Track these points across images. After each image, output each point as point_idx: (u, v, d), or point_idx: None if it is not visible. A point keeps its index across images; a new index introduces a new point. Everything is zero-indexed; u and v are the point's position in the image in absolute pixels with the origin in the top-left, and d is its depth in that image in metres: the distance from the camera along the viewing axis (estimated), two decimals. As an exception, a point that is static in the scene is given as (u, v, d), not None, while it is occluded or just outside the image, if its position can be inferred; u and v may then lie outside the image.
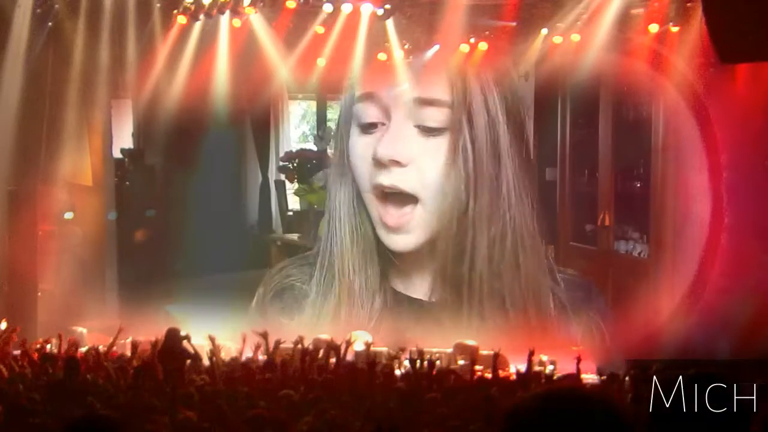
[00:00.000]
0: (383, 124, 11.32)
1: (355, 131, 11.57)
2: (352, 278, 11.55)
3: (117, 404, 6.08)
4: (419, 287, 11.76)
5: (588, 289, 11.85)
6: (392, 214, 11.18)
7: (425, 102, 11.25)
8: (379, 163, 11.11)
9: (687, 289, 10.62)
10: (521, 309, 11.25)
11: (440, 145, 11.16)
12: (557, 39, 11.36)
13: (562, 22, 11.16)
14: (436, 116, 11.19)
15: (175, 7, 11.40)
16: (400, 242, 11.30)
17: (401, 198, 11.18)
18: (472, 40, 11.74)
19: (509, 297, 11.23)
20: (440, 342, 10.43)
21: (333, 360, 8.35)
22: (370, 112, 11.42)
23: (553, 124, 13.05)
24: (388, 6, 11.18)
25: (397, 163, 11.08)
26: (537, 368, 9.05)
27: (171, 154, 13.53)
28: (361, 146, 11.42)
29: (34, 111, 11.34)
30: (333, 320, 11.47)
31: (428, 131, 11.19)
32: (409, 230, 11.23)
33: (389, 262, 11.60)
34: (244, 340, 9.07)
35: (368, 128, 11.42)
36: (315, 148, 14.73)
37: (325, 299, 11.67)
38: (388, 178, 11.11)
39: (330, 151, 13.44)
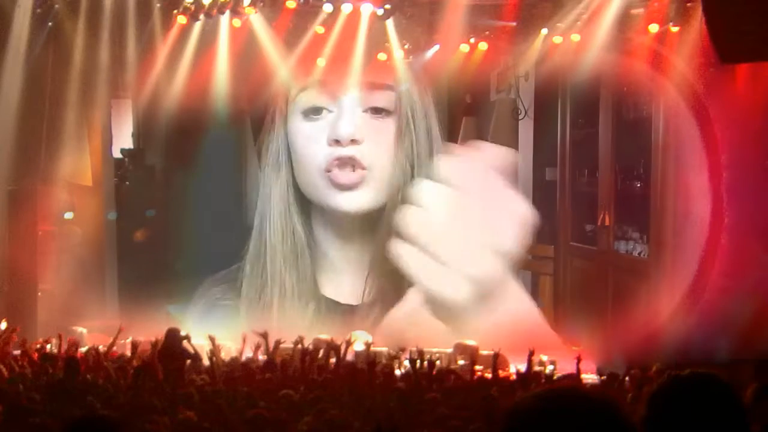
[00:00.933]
0: (329, 111, 11.88)
1: (296, 119, 12.03)
2: (284, 276, 11.90)
3: (117, 404, 6.08)
4: (349, 292, 12.06)
5: None
6: (345, 174, 11.68)
7: (375, 86, 11.92)
8: (337, 143, 11.67)
9: (687, 289, 10.61)
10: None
11: (386, 125, 11.93)
12: (557, 39, 11.36)
13: (562, 22, 11.17)
14: (384, 98, 11.94)
15: (175, 7, 11.40)
16: (352, 200, 11.75)
17: (354, 167, 11.70)
18: (472, 40, 11.76)
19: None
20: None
21: (333, 360, 8.36)
22: (315, 99, 11.94)
23: (553, 124, 13.05)
24: (388, 6, 11.19)
25: (355, 142, 11.71)
26: (537, 368, 9.06)
27: (171, 154, 13.53)
28: (308, 131, 11.94)
29: (34, 111, 11.35)
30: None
31: (377, 112, 11.94)
32: (361, 188, 11.75)
33: (320, 263, 12.05)
34: (244, 340, 9.08)
35: (313, 113, 11.94)
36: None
37: (257, 306, 11.95)
38: (346, 152, 11.68)
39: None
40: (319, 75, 11.82)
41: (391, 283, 11.70)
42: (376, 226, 11.99)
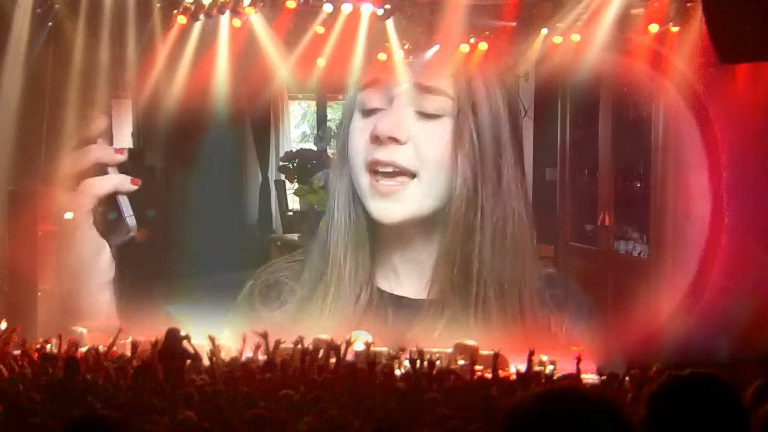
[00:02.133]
0: (384, 109, 11.57)
1: (357, 117, 11.83)
2: (342, 265, 11.65)
3: (117, 404, 6.08)
4: (408, 286, 11.88)
5: (566, 285, 12.01)
6: (385, 183, 11.37)
7: (426, 89, 11.53)
8: (377, 140, 11.35)
9: (687, 289, 10.61)
10: (517, 305, 11.42)
11: (438, 128, 11.47)
12: (557, 39, 11.36)
13: (562, 22, 11.16)
14: (436, 103, 11.50)
15: (175, 7, 11.40)
16: (388, 211, 11.40)
17: (396, 172, 11.37)
18: (472, 40, 11.75)
19: (508, 287, 11.42)
20: (437, 342, 10.59)
21: (333, 360, 8.36)
22: (373, 98, 11.68)
23: (553, 124, 13.04)
24: (388, 6, 11.18)
25: (395, 141, 11.32)
26: (537, 368, 9.06)
27: (171, 154, 13.52)
28: (360, 127, 11.68)
29: (34, 111, 11.34)
30: (318, 315, 11.58)
31: (427, 116, 11.47)
32: (399, 199, 11.38)
33: (379, 257, 11.79)
34: (244, 340, 9.08)
35: (370, 113, 11.68)
36: (315, 148, 14.73)
37: (313, 292, 11.78)
38: (386, 155, 11.33)
39: (330, 151, 13.62)
40: (376, 73, 11.61)
41: (453, 286, 11.49)
42: (433, 227, 11.66)
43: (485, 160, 11.38)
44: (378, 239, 11.88)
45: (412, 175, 11.38)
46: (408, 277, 11.94)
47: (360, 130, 11.67)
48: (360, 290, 11.66)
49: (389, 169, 11.34)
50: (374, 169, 11.39)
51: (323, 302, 11.70)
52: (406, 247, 11.92)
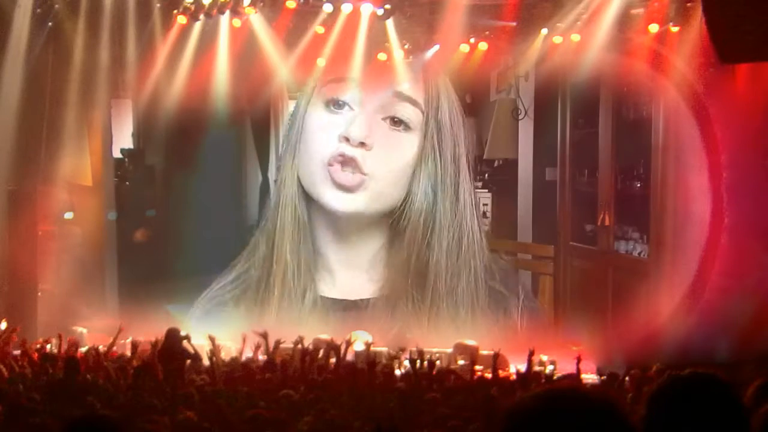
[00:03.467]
0: (351, 108, 11.80)
1: (319, 110, 11.99)
2: (288, 262, 11.89)
3: (117, 404, 6.08)
4: (342, 288, 12.16)
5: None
6: (345, 174, 11.62)
7: (403, 98, 11.81)
8: (347, 141, 11.61)
9: (687, 289, 10.61)
10: (469, 306, 11.82)
11: (405, 139, 11.84)
12: (557, 39, 11.36)
13: (562, 22, 11.16)
14: (408, 114, 11.81)
15: (175, 7, 11.40)
16: (344, 201, 11.70)
17: (354, 169, 11.63)
18: (472, 40, 11.75)
19: (459, 300, 11.81)
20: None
21: (333, 360, 8.36)
22: (340, 94, 11.88)
23: (553, 124, 13.04)
24: (388, 6, 11.18)
25: (364, 145, 11.62)
26: (537, 368, 9.06)
27: (171, 154, 13.52)
28: (325, 123, 11.87)
29: (34, 111, 11.34)
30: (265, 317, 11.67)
31: (397, 123, 11.80)
32: (357, 192, 11.68)
33: (315, 259, 12.06)
34: (244, 340, 9.08)
35: (335, 106, 11.89)
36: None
37: (258, 293, 12.00)
38: (351, 152, 11.60)
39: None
40: (353, 72, 11.73)
41: (407, 294, 11.76)
42: (374, 232, 12.03)
43: (445, 177, 11.80)
44: (314, 239, 12.17)
45: (369, 178, 11.69)
46: (343, 279, 12.21)
47: (324, 127, 11.87)
48: (305, 289, 11.96)
49: (350, 166, 11.61)
50: (335, 162, 11.63)
51: (270, 302, 11.91)
52: (343, 247, 12.19)
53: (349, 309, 12.00)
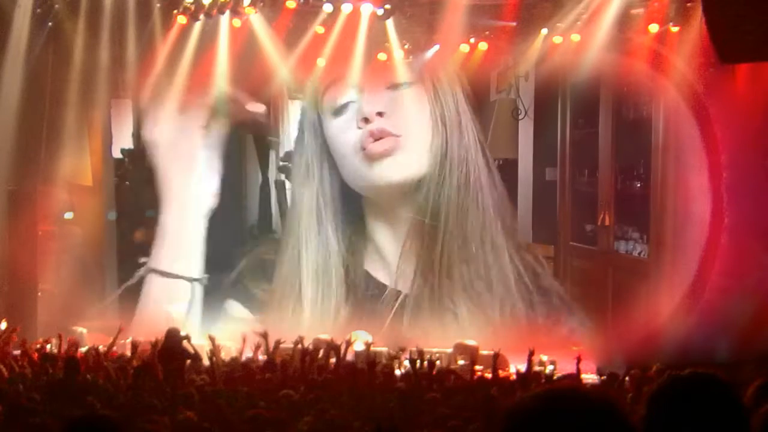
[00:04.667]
0: (354, 102, 11.96)
1: (329, 121, 12.15)
2: (345, 256, 12.09)
3: (117, 404, 6.08)
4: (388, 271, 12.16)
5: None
6: (378, 144, 11.74)
7: (393, 63, 11.92)
8: (366, 121, 11.75)
9: (687, 289, 10.61)
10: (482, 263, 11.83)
11: (410, 95, 12.02)
12: (557, 39, 11.36)
13: (562, 22, 11.16)
14: (403, 71, 11.94)
15: (175, 7, 11.40)
16: (388, 169, 11.75)
17: (387, 136, 11.78)
18: (472, 40, 11.75)
19: (471, 232, 11.86)
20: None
21: (333, 360, 8.35)
22: (340, 95, 12.03)
23: (553, 124, 13.03)
24: (388, 6, 11.19)
25: (381, 114, 11.77)
26: (537, 368, 9.06)
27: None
28: (339, 124, 12.03)
29: (34, 111, 11.34)
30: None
31: (397, 86, 11.97)
32: (395, 155, 11.77)
33: (373, 257, 12.18)
34: (244, 340, 9.08)
35: (341, 110, 12.04)
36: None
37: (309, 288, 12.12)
38: (376, 125, 11.73)
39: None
40: (333, 75, 11.89)
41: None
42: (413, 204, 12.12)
43: (450, 119, 11.96)
44: (371, 237, 12.31)
45: (399, 137, 11.83)
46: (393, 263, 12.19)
47: (339, 127, 12.01)
48: (358, 279, 12.10)
49: (380, 136, 11.75)
50: (367, 140, 11.73)
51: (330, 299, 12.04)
52: (396, 233, 12.20)
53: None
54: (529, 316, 11.75)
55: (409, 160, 11.78)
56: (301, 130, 12.63)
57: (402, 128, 11.79)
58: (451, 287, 11.75)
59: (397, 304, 11.87)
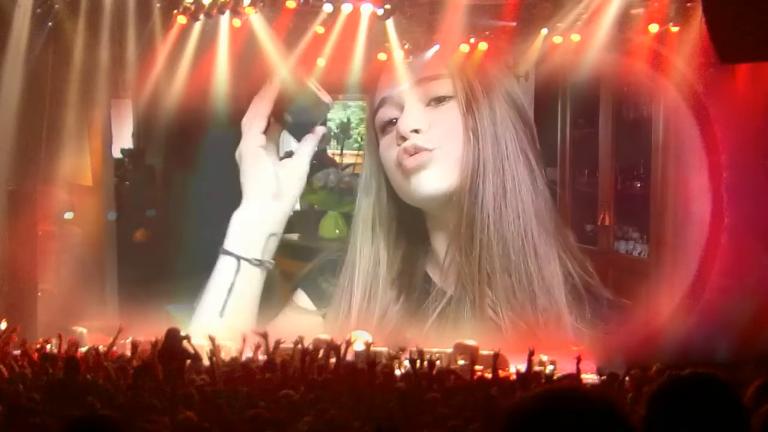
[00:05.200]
0: (397, 119, 11.96)
1: (380, 137, 12.31)
2: (412, 272, 12.26)
3: (117, 404, 6.08)
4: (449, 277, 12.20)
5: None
6: (412, 158, 11.77)
7: (430, 78, 11.95)
8: (402, 138, 11.79)
9: (687, 289, 10.61)
10: (525, 274, 11.70)
11: (448, 110, 11.93)
12: (557, 39, 11.36)
13: (562, 22, 11.16)
14: (442, 86, 11.95)
15: (175, 7, 11.40)
16: (422, 181, 11.78)
17: (420, 151, 11.77)
18: (472, 40, 11.75)
19: (511, 238, 11.72)
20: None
21: (333, 360, 8.35)
22: (386, 113, 12.12)
23: (553, 124, 13.03)
24: (388, 6, 11.19)
25: (417, 132, 11.77)
26: (537, 368, 9.05)
27: (171, 154, 13.51)
28: (386, 142, 12.18)
29: (34, 111, 11.34)
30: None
31: (438, 101, 11.95)
32: (428, 168, 11.76)
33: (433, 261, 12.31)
34: (244, 340, 9.08)
35: (387, 127, 12.11)
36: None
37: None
38: (410, 142, 11.76)
39: (330, 152, 14.02)
40: (384, 93, 12.09)
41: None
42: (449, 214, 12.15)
43: (486, 135, 11.78)
44: (431, 243, 12.44)
45: (433, 150, 11.80)
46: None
47: (386, 145, 12.19)
48: (416, 282, 12.28)
49: (412, 152, 11.78)
50: (401, 158, 11.81)
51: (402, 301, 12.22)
52: (446, 233, 12.25)
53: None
54: (575, 327, 11.58)
55: (441, 172, 11.80)
56: (366, 147, 12.98)
57: (435, 142, 11.81)
58: (494, 296, 11.73)
59: (439, 307, 11.95)
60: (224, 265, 12.33)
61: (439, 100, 11.94)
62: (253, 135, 12.42)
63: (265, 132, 12.47)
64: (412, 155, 11.73)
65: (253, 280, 12.39)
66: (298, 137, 13.03)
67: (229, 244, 12.38)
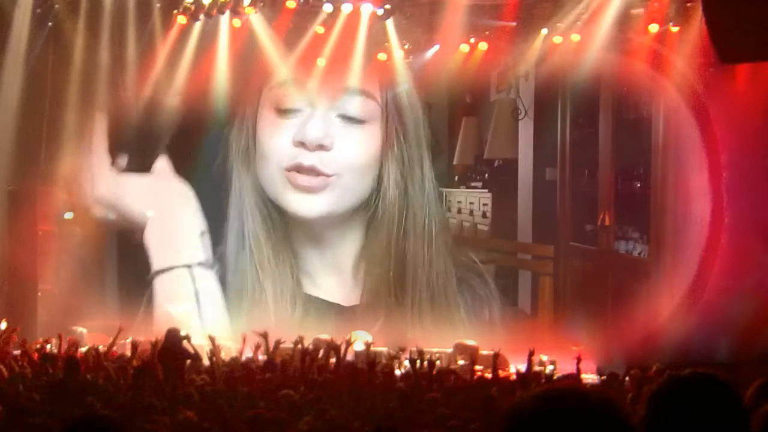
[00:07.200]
0: (302, 111, 11.74)
1: (269, 115, 11.90)
2: (272, 269, 11.83)
3: (117, 404, 6.08)
4: (326, 290, 12.13)
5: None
6: (306, 178, 11.56)
7: (358, 92, 11.79)
8: (303, 145, 11.56)
9: (687, 289, 10.61)
10: (444, 303, 11.91)
11: (362, 133, 11.79)
12: (557, 39, 11.36)
13: (562, 22, 11.16)
14: (363, 108, 11.81)
15: (175, 7, 11.40)
16: (309, 203, 11.61)
17: (318, 174, 11.60)
18: (472, 40, 11.75)
19: (436, 288, 11.87)
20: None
21: (333, 360, 8.36)
22: (290, 98, 11.81)
23: (553, 124, 13.04)
24: (388, 6, 11.18)
25: (322, 147, 11.57)
26: (537, 368, 9.06)
27: (171, 154, 13.49)
28: (277, 128, 11.79)
29: (34, 111, 11.34)
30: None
31: (350, 121, 11.76)
32: (321, 193, 11.60)
33: (298, 263, 12.04)
34: (244, 340, 9.08)
35: (287, 113, 11.82)
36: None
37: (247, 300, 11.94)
38: (309, 159, 11.54)
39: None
40: (299, 73, 11.70)
41: (389, 289, 11.79)
42: (351, 230, 12.04)
43: (413, 163, 11.82)
44: (291, 242, 12.09)
45: (332, 176, 11.65)
46: (325, 281, 12.17)
47: (277, 132, 11.78)
48: (294, 298, 11.90)
49: (312, 174, 11.56)
50: (293, 169, 11.57)
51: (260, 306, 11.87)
52: (324, 249, 12.13)
53: (341, 313, 11.98)
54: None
55: (335, 198, 11.64)
56: (239, 125, 12.30)
57: (336, 167, 11.59)
58: (403, 309, 11.80)
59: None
60: (175, 283, 12.02)
61: (354, 121, 11.79)
62: (105, 174, 12.16)
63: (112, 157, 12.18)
64: (308, 175, 11.50)
65: (211, 280, 12.20)
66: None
67: (166, 261, 12.06)
